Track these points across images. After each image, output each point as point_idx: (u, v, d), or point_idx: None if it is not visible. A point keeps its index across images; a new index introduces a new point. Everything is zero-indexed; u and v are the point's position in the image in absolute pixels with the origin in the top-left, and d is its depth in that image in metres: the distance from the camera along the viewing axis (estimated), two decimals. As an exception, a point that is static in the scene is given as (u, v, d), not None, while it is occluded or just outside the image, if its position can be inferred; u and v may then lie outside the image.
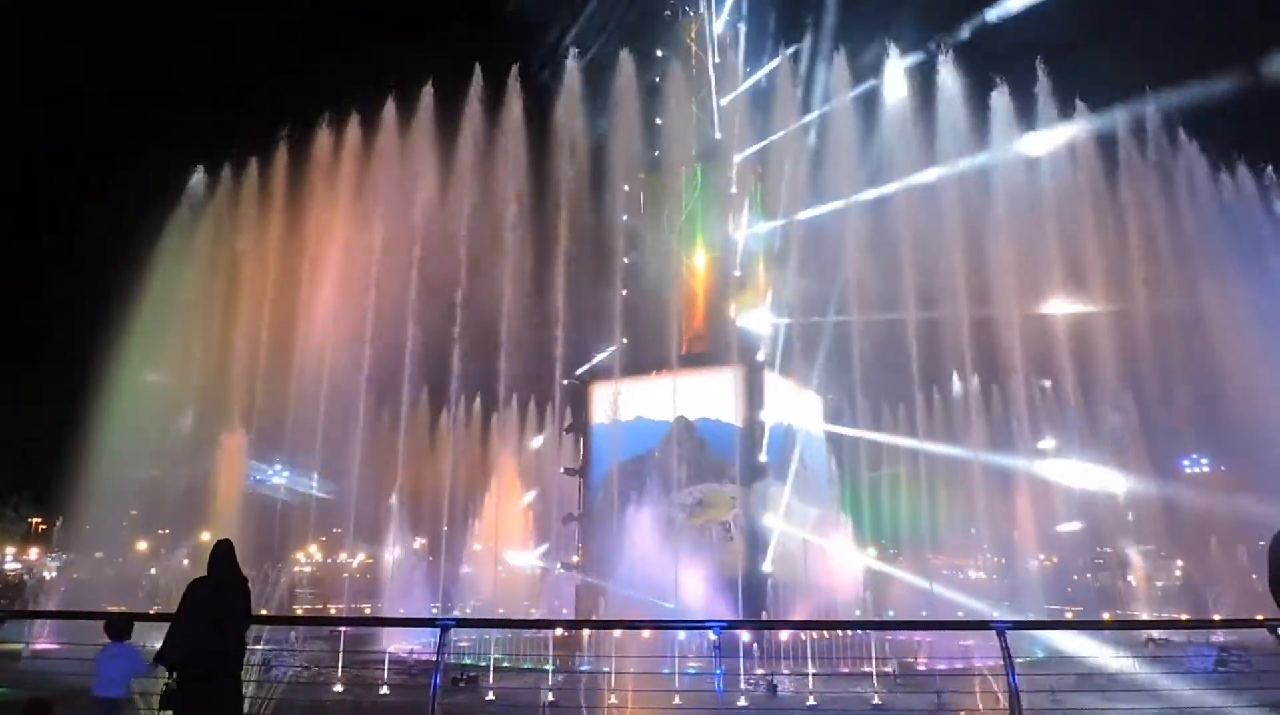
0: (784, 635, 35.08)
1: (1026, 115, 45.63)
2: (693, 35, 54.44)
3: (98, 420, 42.73)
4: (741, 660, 29.75)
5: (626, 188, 48.39)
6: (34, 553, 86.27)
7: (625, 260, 47.76)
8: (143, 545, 60.41)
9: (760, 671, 30.10)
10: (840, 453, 50.02)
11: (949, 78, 45.18)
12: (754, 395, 45.81)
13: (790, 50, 50.50)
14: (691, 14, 55.05)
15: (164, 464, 45.62)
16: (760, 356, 46.67)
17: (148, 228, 47.12)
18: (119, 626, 11.34)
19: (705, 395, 46.07)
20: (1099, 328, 44.76)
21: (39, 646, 28.70)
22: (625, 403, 46.63)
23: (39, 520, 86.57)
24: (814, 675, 28.02)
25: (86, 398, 42.95)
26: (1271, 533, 5.80)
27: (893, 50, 46.84)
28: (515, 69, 47.14)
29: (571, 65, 46.92)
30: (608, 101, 46.73)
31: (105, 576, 53.23)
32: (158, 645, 8.72)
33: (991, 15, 53.75)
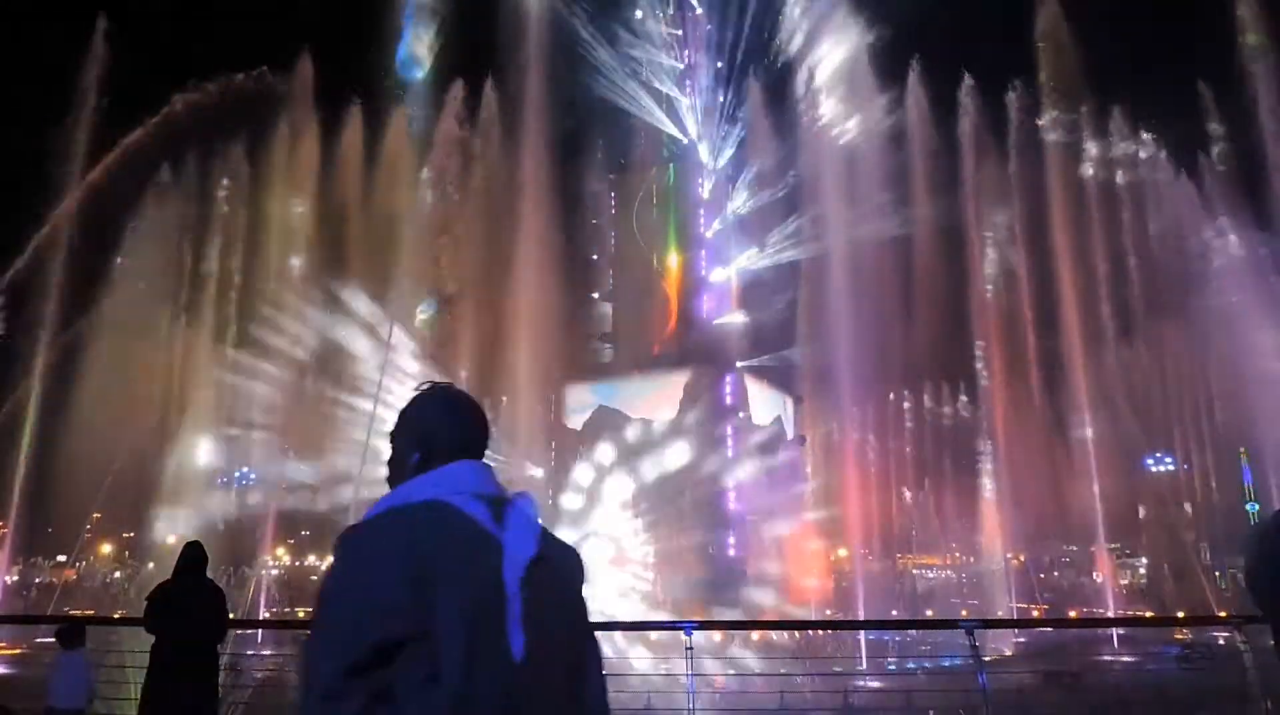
0: (755, 635, 35.14)
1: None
2: (664, 29, 54.31)
3: (57, 416, 41.93)
4: (712, 660, 29.73)
5: (596, 188, 48.38)
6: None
7: (594, 257, 47.76)
8: (106, 548, 59.53)
9: (732, 672, 30.09)
10: (812, 451, 50.22)
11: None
12: (724, 394, 45.98)
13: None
14: (661, 14, 54.98)
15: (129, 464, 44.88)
16: (732, 356, 46.86)
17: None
18: (70, 635, 10.94)
19: (675, 395, 46.19)
20: (1067, 327, 45.33)
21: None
22: (597, 402, 46.68)
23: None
24: (784, 676, 28.05)
25: (44, 394, 42.11)
26: (1237, 530, 5.85)
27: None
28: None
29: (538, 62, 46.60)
30: (577, 99, 46.67)
31: (67, 580, 52.33)
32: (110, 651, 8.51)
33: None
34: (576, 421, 49.80)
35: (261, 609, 45.60)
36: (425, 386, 2.81)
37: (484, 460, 2.72)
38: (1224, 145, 43.03)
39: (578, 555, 2.75)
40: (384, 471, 2.77)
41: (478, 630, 2.34)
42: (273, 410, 44.16)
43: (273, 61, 44.79)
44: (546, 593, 2.48)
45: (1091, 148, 45.84)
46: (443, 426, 2.71)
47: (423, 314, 44.41)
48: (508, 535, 2.48)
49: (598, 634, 2.85)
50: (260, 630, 32.85)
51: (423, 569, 2.33)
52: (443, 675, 2.27)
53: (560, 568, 2.62)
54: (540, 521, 2.59)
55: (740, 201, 50.54)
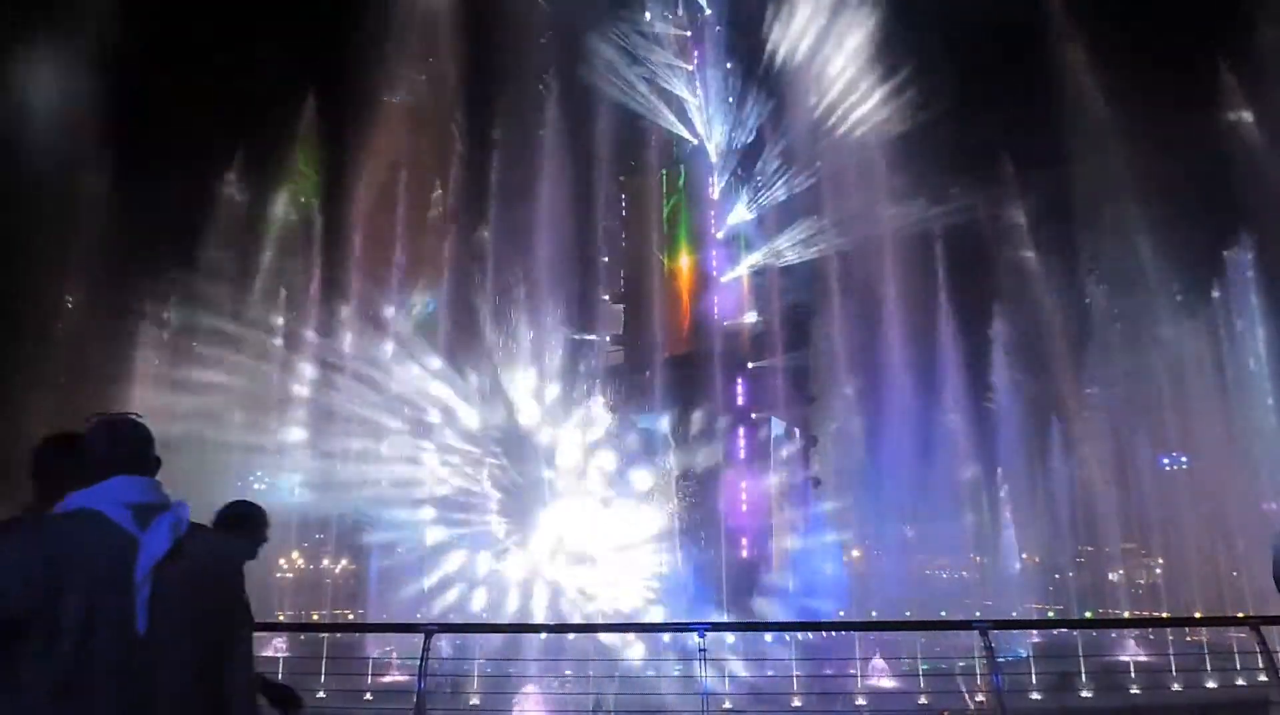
0: (768, 636, 35.08)
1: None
2: (673, 30, 54.15)
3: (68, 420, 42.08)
4: (728, 661, 29.69)
5: (606, 190, 48.36)
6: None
7: (605, 260, 47.78)
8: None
9: (745, 674, 30.06)
10: (825, 452, 50.10)
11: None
12: (736, 395, 45.96)
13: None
14: (670, 15, 54.79)
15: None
16: (744, 357, 46.84)
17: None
18: None
19: (686, 397, 46.18)
20: (1079, 326, 45.15)
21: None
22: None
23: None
24: (798, 677, 27.98)
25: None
26: (1249, 528, 5.80)
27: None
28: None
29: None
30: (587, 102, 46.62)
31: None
32: None
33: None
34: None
35: (275, 611, 45.75)
36: (93, 418, 3.39)
37: (144, 475, 3.29)
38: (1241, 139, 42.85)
39: (232, 557, 3.41)
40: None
41: (98, 608, 2.85)
42: (285, 415, 44.30)
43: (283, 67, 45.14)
44: (181, 581, 3.03)
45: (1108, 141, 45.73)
46: (98, 449, 3.29)
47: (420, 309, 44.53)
48: (147, 536, 3.04)
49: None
50: (272, 633, 32.96)
51: (49, 563, 2.86)
52: (56, 645, 2.77)
53: (206, 563, 3.21)
54: (190, 525, 3.18)
55: (751, 202, 50.46)
